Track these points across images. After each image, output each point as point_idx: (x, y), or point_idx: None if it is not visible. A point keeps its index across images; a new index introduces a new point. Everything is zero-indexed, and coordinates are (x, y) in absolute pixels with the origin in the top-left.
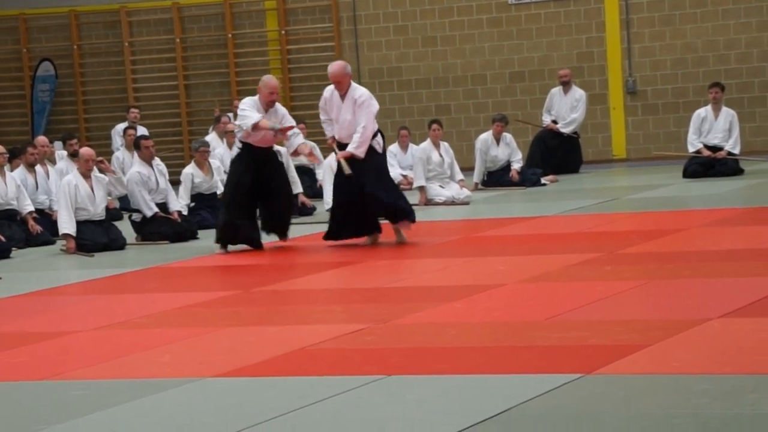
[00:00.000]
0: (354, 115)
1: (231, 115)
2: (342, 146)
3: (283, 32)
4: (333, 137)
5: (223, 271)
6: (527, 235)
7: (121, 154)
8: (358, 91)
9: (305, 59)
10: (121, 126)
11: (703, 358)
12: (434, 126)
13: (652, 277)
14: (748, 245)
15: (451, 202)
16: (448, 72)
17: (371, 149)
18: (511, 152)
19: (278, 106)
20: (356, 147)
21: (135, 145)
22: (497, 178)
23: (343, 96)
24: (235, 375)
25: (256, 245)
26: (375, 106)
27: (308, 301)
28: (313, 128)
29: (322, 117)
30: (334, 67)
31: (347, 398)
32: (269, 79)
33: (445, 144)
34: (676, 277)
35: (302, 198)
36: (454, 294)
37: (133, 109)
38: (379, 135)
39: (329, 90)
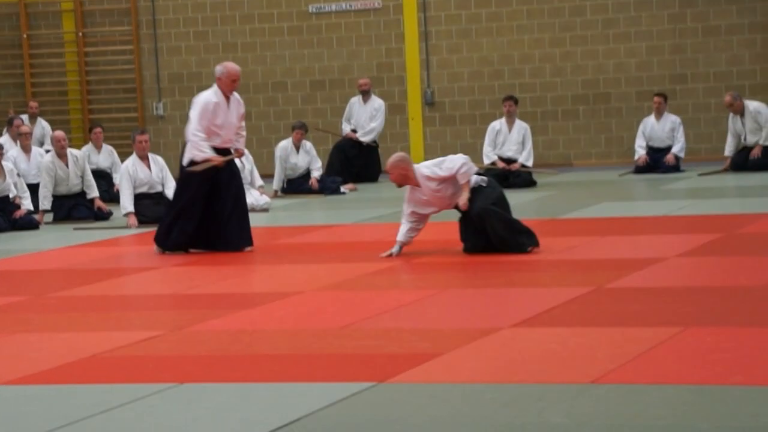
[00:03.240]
0: (238, 118)
1: (25, 116)
2: (220, 150)
3: (80, 34)
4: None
5: (15, 276)
6: (325, 243)
7: None
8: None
9: (103, 62)
10: None
11: (494, 366)
12: None
13: (446, 286)
14: (539, 256)
15: (251, 209)
16: (249, 79)
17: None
18: (310, 160)
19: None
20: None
21: None
22: (297, 185)
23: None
24: (24, 383)
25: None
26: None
27: (102, 308)
28: (109, 132)
29: (203, 129)
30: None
31: (141, 406)
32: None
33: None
34: (469, 287)
35: (98, 202)
36: (249, 301)
37: None
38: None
39: (216, 94)
